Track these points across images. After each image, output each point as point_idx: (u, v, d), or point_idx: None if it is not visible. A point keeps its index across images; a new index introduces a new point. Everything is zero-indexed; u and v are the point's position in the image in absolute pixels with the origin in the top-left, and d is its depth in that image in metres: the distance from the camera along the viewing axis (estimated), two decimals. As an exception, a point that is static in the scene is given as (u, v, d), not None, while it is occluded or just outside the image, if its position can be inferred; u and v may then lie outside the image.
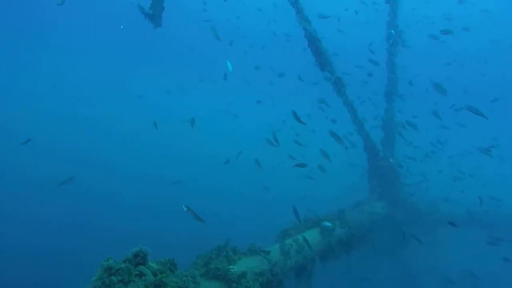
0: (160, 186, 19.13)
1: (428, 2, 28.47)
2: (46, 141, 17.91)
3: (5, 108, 28.01)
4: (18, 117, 27.21)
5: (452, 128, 15.62)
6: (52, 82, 33.55)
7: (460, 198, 12.87)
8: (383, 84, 12.61)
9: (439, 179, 14.99)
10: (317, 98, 11.11)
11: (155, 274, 3.63)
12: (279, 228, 7.07)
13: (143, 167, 21.99)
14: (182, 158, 25.76)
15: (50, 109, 29.52)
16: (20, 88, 32.19)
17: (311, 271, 6.52)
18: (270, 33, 25.75)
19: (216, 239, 5.66)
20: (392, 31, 12.31)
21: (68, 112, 29.46)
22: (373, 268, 10.91)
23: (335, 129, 6.50)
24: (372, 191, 11.97)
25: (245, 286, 4.43)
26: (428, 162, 14.20)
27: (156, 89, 35.47)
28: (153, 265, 3.77)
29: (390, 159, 11.43)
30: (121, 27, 29.15)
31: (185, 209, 5.24)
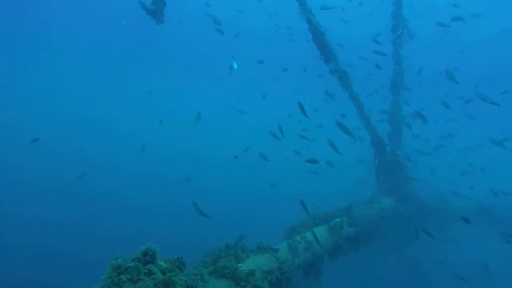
0: (162, 185, 19.20)
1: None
2: (47, 141, 17.99)
3: (5, 108, 28.15)
4: (18, 117, 27.39)
5: (461, 120, 15.30)
6: (52, 82, 33.64)
7: (469, 192, 12.64)
8: (389, 76, 12.36)
9: (449, 173, 14.74)
10: (323, 91, 10.95)
11: (163, 273, 3.61)
12: (287, 225, 7.01)
13: (145, 167, 21.97)
14: (188, 156, 25.77)
15: (50, 109, 29.67)
16: (20, 88, 32.34)
17: (319, 268, 6.46)
18: (273, 26, 25.50)
19: (222, 237, 5.63)
20: (401, 23, 12.04)
21: (68, 112, 29.57)
22: (383, 265, 10.81)
23: (343, 123, 6.36)
24: (379, 187, 11.82)
25: (254, 284, 4.39)
26: (437, 155, 13.96)
27: (156, 87, 35.45)
28: (161, 263, 3.75)
29: (398, 151, 11.24)
30: (124, 23, 29.10)
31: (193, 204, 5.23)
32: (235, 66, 9.91)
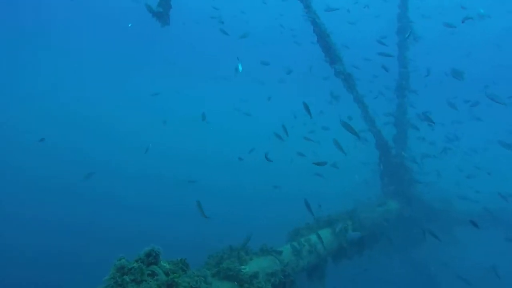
0: (165, 186, 19.18)
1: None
2: (47, 141, 18.08)
3: (5, 108, 28.27)
4: (18, 117, 27.52)
5: (467, 122, 15.13)
6: (52, 82, 33.61)
7: (476, 196, 12.47)
8: (395, 78, 12.28)
9: (455, 176, 14.56)
10: (329, 93, 10.90)
11: (167, 274, 3.60)
12: (290, 227, 6.97)
13: (148, 168, 21.95)
14: (191, 157, 25.75)
15: (50, 109, 29.65)
16: (20, 88, 32.36)
17: (323, 271, 6.40)
18: (278, 28, 25.49)
19: (225, 238, 5.61)
20: (407, 25, 11.97)
21: (69, 112, 29.54)
22: (388, 267, 10.71)
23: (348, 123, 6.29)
24: (384, 189, 11.73)
25: (257, 286, 4.36)
26: (444, 158, 13.80)
27: (160, 88, 35.58)
28: (165, 264, 3.74)
29: (403, 153, 11.15)
30: (129, 25, 29.33)
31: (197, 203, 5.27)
32: (240, 68, 9.92)
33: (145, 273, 3.40)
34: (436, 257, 11.45)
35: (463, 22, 7.74)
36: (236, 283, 4.33)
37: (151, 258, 3.54)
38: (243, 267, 4.57)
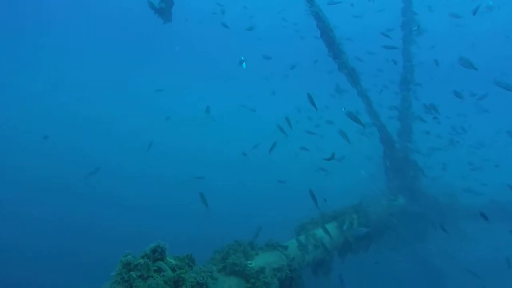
0: (168, 184, 19.17)
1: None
2: (47, 141, 18.03)
3: (5, 108, 28.27)
4: (18, 117, 27.58)
5: (473, 115, 14.92)
6: (52, 82, 33.48)
7: (482, 189, 12.33)
8: (399, 72, 12.15)
9: (462, 169, 14.38)
10: (333, 87, 10.81)
11: (173, 270, 3.61)
12: (296, 222, 6.96)
13: (151, 167, 21.94)
14: (195, 155, 25.72)
15: (50, 109, 29.56)
16: (20, 88, 32.23)
17: (329, 266, 6.40)
18: (281, 22, 25.26)
19: (230, 234, 5.60)
20: (412, 19, 11.79)
21: (69, 112, 29.44)
22: (393, 261, 10.67)
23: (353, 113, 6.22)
24: (389, 184, 11.66)
25: (263, 281, 4.36)
26: (450, 151, 13.66)
27: (163, 86, 35.50)
28: (171, 260, 3.74)
29: (408, 144, 11.06)
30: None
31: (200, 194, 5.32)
32: (244, 66, 9.90)
33: (152, 269, 3.41)
34: (442, 251, 11.39)
35: (474, 14, 7.55)
36: (242, 278, 4.33)
37: (157, 254, 3.55)
38: (249, 262, 4.57)
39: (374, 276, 10.14)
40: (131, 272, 3.34)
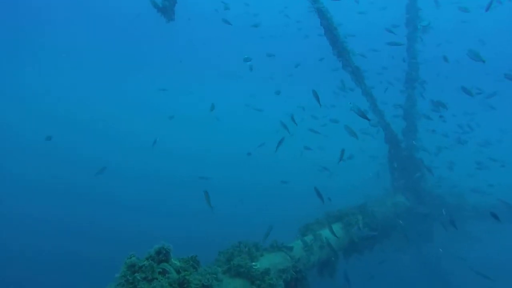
0: (171, 185, 19.13)
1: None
2: (47, 141, 18.00)
3: (4, 109, 28.31)
4: (17, 118, 27.66)
5: (479, 113, 14.72)
6: (51, 82, 33.48)
7: (489, 189, 12.15)
8: (404, 69, 12.01)
9: (468, 169, 14.20)
10: (337, 85, 10.70)
11: (178, 272, 3.56)
12: (300, 222, 6.89)
13: (152, 167, 21.85)
14: (200, 155, 25.64)
15: (50, 109, 29.61)
16: (20, 88, 32.24)
17: (334, 266, 6.33)
18: (284, 22, 25.11)
19: (233, 235, 5.54)
20: (417, 16, 11.63)
21: (69, 112, 29.48)
22: (400, 262, 10.57)
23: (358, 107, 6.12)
24: (394, 184, 11.56)
25: (269, 283, 4.30)
26: (456, 150, 13.47)
27: (167, 86, 35.42)
28: (176, 262, 3.69)
29: (414, 142, 10.93)
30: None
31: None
32: (250, 65, 9.82)
33: (156, 270, 3.36)
34: (449, 251, 11.26)
35: (487, 10, 7.38)
36: (247, 280, 4.28)
37: (162, 255, 3.50)
38: (254, 263, 4.51)
39: (380, 275, 10.05)
40: (136, 274, 3.30)
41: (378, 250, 8.32)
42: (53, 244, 12.30)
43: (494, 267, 9.90)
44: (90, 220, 14.10)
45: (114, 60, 36.48)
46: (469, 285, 10.10)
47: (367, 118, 5.59)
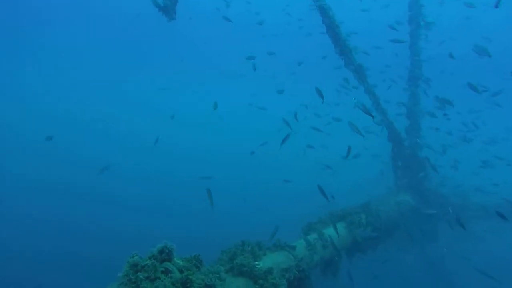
0: (171, 185, 19.09)
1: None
2: (47, 141, 17.88)
3: (4, 109, 28.32)
4: (17, 118, 27.68)
5: (484, 111, 14.53)
6: (52, 82, 33.44)
7: (494, 188, 12.03)
8: (407, 67, 11.92)
9: (472, 167, 14.05)
10: (340, 83, 10.63)
11: (181, 271, 3.55)
12: (302, 221, 6.86)
13: (152, 167, 21.81)
14: (202, 154, 25.62)
15: (50, 109, 29.54)
16: (20, 88, 32.21)
17: (337, 266, 6.29)
18: (286, 20, 24.98)
19: (236, 235, 5.52)
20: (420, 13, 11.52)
21: (69, 112, 29.40)
22: (403, 262, 10.51)
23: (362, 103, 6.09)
24: (397, 182, 11.49)
25: (272, 282, 4.28)
26: (460, 148, 13.31)
27: (168, 85, 35.34)
28: (178, 261, 3.68)
29: (418, 140, 10.85)
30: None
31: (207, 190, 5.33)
32: (254, 67, 9.81)
33: (159, 270, 3.35)
34: (453, 251, 11.17)
35: (496, 7, 7.26)
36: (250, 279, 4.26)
37: (164, 255, 3.49)
38: (257, 262, 4.49)
39: (383, 275, 9.99)
40: (138, 273, 3.29)
41: (381, 250, 8.27)
42: (53, 244, 12.28)
43: (498, 266, 9.82)
44: (90, 220, 14.07)
45: (114, 59, 36.48)
46: (473, 285, 10.01)
47: (371, 115, 5.56)
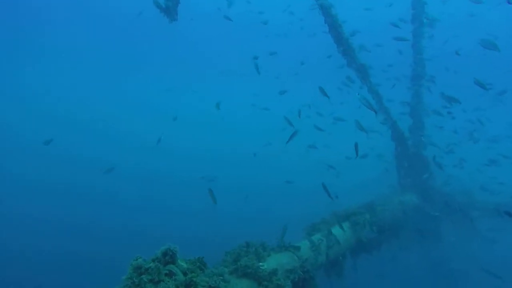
0: (174, 185, 19.07)
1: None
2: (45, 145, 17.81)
3: (5, 109, 28.35)
4: (18, 118, 27.71)
5: (488, 109, 14.38)
6: (52, 82, 33.47)
7: (499, 187, 11.90)
8: (410, 66, 11.83)
9: (477, 166, 13.91)
10: (343, 81, 10.58)
11: (184, 274, 3.53)
12: (306, 221, 6.81)
13: (154, 167, 21.79)
14: (204, 155, 25.58)
15: (50, 109, 29.61)
16: (21, 89, 32.29)
17: (342, 267, 6.25)
18: (288, 20, 24.91)
19: (239, 236, 5.49)
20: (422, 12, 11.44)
21: (70, 112, 29.44)
22: (406, 262, 10.43)
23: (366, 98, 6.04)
24: (401, 181, 11.42)
25: (276, 284, 4.25)
26: (464, 146, 13.18)
27: (171, 86, 35.30)
28: (182, 264, 3.66)
29: (422, 138, 10.77)
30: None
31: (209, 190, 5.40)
32: (257, 69, 9.81)
33: (163, 272, 3.33)
34: (459, 250, 11.08)
35: (510, 3, 7.14)
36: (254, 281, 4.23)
37: (168, 257, 3.47)
38: (261, 264, 4.46)
39: (388, 274, 9.93)
40: (142, 276, 3.27)
41: (385, 250, 8.21)
42: (53, 244, 12.27)
43: (503, 266, 9.72)
44: (91, 220, 14.07)
45: (115, 59, 36.52)
46: (478, 284, 9.92)
47: (374, 110, 5.53)
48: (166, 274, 3.36)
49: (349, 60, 9.43)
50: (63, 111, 29.88)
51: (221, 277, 3.65)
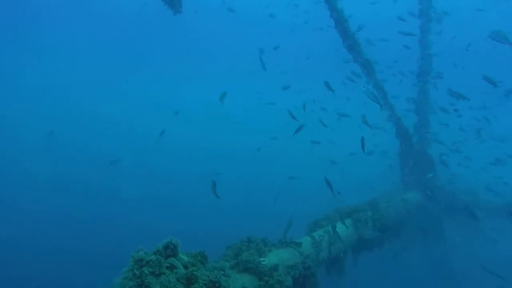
0: (177, 181, 19.11)
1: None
2: (50, 138, 17.69)
3: (6, 106, 28.47)
4: (20, 115, 27.83)
5: (494, 108, 14.16)
6: (50, 81, 33.52)
7: (504, 188, 11.75)
8: (416, 62, 11.65)
9: (482, 165, 13.75)
10: (348, 75, 10.47)
11: (185, 267, 3.53)
12: (308, 217, 6.80)
13: (157, 163, 21.79)
14: (208, 149, 25.57)
15: (53, 106, 29.63)
16: (23, 86, 32.36)
17: (343, 264, 6.24)
18: (293, 14, 24.61)
19: (242, 231, 5.49)
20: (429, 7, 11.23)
21: (72, 109, 29.44)
22: (408, 261, 10.40)
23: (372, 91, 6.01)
24: (404, 179, 11.34)
25: (277, 279, 4.24)
26: (470, 144, 13.02)
27: (169, 83, 35.14)
28: (183, 257, 3.66)
29: (428, 135, 10.67)
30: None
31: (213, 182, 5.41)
32: (263, 66, 9.74)
33: (164, 265, 3.34)
34: (461, 250, 11.02)
35: None
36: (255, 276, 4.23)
37: (169, 250, 3.47)
38: (262, 259, 4.45)
39: (390, 273, 9.92)
40: (143, 268, 3.28)
41: (386, 249, 8.18)
42: (54, 243, 12.27)
43: (506, 265, 9.65)
44: (94, 216, 14.11)
45: (117, 56, 36.48)
46: (481, 284, 9.88)
47: (379, 103, 5.48)
48: (167, 267, 3.36)
49: (355, 55, 9.33)
50: (64, 108, 29.96)
51: (222, 272, 3.65)
